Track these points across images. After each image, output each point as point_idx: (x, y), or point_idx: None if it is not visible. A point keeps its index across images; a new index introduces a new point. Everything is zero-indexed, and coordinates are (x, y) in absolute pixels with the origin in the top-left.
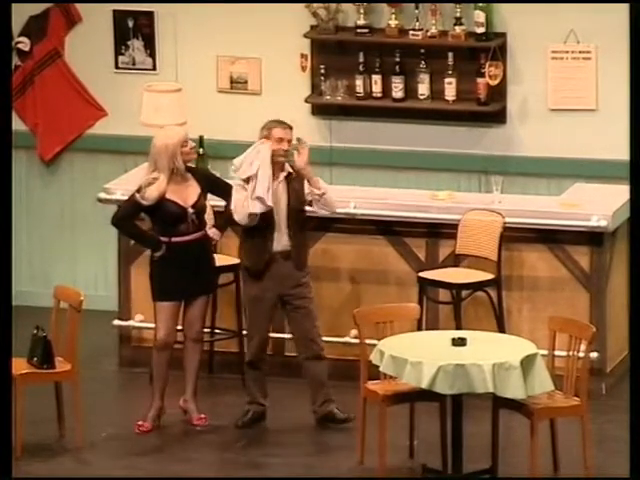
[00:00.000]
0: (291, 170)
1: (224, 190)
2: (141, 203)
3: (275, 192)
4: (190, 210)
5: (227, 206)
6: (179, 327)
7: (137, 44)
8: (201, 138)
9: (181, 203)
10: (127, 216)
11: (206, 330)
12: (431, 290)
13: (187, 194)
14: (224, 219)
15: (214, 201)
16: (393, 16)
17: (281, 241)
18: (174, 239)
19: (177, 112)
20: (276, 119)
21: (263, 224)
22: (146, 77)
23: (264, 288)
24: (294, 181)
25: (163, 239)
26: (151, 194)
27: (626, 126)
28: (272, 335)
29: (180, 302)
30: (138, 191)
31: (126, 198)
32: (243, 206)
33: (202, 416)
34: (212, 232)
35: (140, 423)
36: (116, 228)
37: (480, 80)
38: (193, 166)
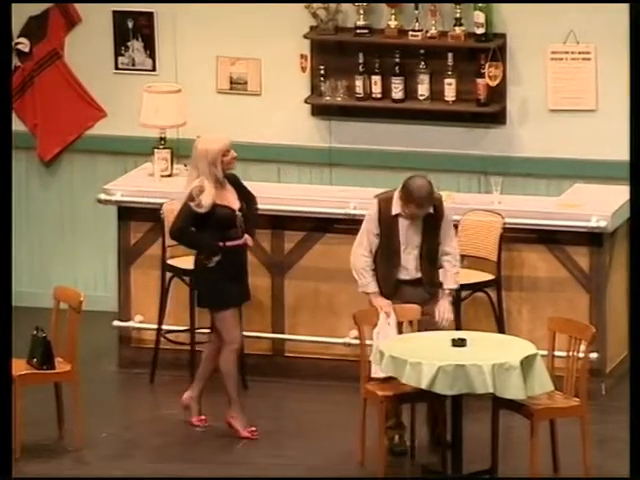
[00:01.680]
0: (432, 211)
1: (250, 198)
2: (196, 211)
3: (406, 232)
4: (239, 214)
5: (252, 212)
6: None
7: (137, 45)
8: None
9: (231, 206)
10: (185, 226)
11: (205, 330)
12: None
13: (231, 199)
14: (253, 225)
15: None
16: (393, 17)
17: (410, 273)
18: (228, 243)
19: (177, 113)
20: (419, 192)
21: (387, 256)
22: (146, 78)
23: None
24: (430, 222)
25: (218, 244)
26: (206, 201)
27: (626, 126)
28: (272, 335)
29: (238, 306)
30: (190, 200)
31: (179, 209)
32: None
33: (202, 417)
34: (247, 239)
35: (254, 429)
36: (175, 240)
37: (480, 81)
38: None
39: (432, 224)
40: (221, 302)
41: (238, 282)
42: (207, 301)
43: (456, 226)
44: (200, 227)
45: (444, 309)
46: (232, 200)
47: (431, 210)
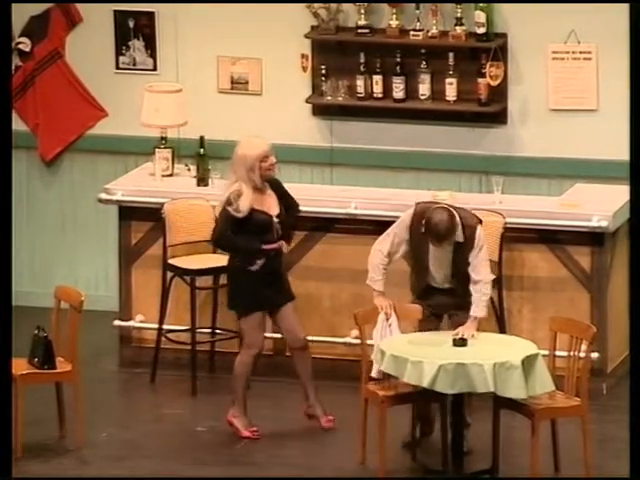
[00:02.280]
0: (461, 240)
1: (291, 204)
2: (235, 216)
3: (434, 252)
4: (275, 219)
5: (291, 216)
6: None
7: (138, 44)
8: (202, 138)
9: (268, 212)
10: (225, 232)
11: (206, 330)
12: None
13: (270, 204)
14: (290, 230)
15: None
16: (394, 16)
17: (440, 285)
18: (264, 246)
19: (178, 112)
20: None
21: (418, 269)
22: (147, 77)
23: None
24: (459, 250)
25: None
26: (244, 205)
27: (627, 126)
28: (272, 335)
29: (267, 311)
30: (228, 204)
31: (218, 215)
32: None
33: (330, 417)
34: (280, 244)
35: (255, 429)
36: (218, 246)
37: (481, 80)
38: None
39: (461, 252)
40: (246, 306)
41: (269, 287)
42: (233, 304)
43: None
44: (237, 231)
45: (463, 329)
46: (271, 205)
47: (459, 239)
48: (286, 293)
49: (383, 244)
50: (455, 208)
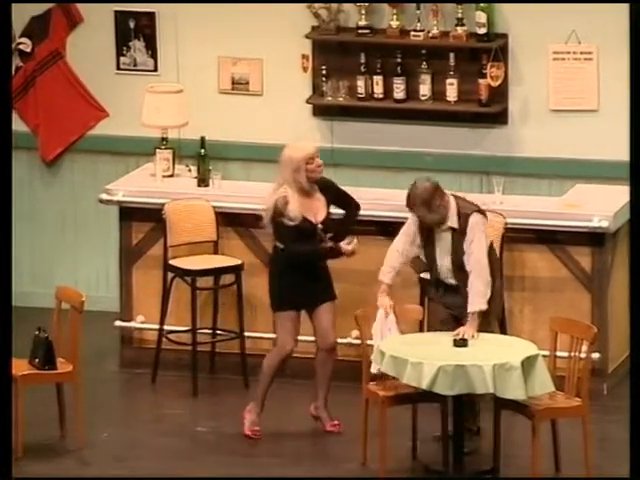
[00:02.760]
0: (455, 226)
1: (347, 203)
2: (290, 225)
3: (440, 240)
4: (319, 226)
5: (348, 217)
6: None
7: (138, 45)
8: (202, 139)
9: (312, 219)
10: (293, 245)
11: (207, 331)
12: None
13: (316, 209)
14: (346, 230)
15: None
16: (394, 17)
17: (447, 279)
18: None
19: (178, 113)
20: None
21: (428, 263)
22: (147, 78)
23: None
24: (455, 237)
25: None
26: (294, 214)
27: (627, 127)
28: (272, 335)
29: (300, 311)
30: (280, 215)
31: (273, 230)
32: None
33: (335, 422)
34: (340, 246)
35: (257, 429)
36: (293, 258)
37: (481, 81)
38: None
39: (458, 240)
40: (278, 305)
41: (305, 287)
42: (271, 302)
43: None
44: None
45: (464, 330)
46: (318, 210)
47: (453, 225)
48: (325, 293)
49: (396, 242)
50: (456, 197)
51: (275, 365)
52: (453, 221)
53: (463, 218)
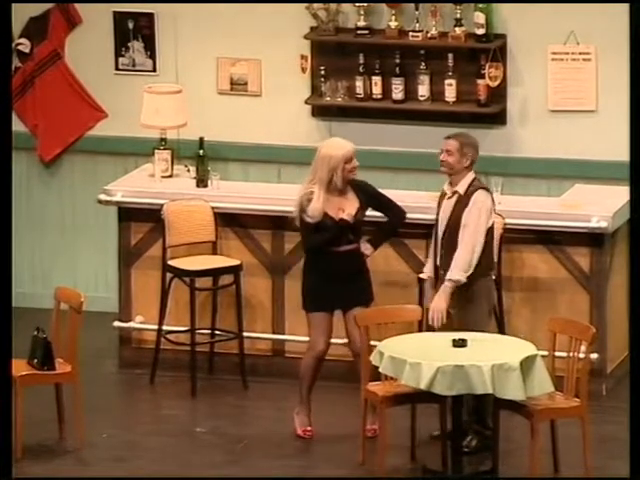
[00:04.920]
0: (462, 192)
1: (386, 206)
2: (309, 221)
3: (443, 209)
4: (344, 221)
5: (387, 222)
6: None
7: (137, 45)
8: (201, 140)
9: (335, 218)
10: (311, 239)
11: (206, 331)
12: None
13: (345, 207)
14: (382, 235)
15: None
16: (393, 17)
17: (439, 244)
18: (327, 247)
19: (177, 114)
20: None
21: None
22: (146, 78)
23: None
24: (457, 205)
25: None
26: (314, 211)
27: (626, 127)
28: (272, 336)
29: (331, 312)
30: (302, 211)
31: (299, 225)
32: None
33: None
34: (364, 247)
35: (308, 428)
36: (314, 252)
37: (480, 81)
38: (355, 179)
39: (459, 206)
40: (308, 305)
41: (335, 288)
42: (302, 302)
43: None
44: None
45: (433, 306)
46: (345, 209)
47: (460, 190)
48: (359, 295)
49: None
50: (476, 174)
51: (310, 364)
52: (462, 188)
53: (471, 189)
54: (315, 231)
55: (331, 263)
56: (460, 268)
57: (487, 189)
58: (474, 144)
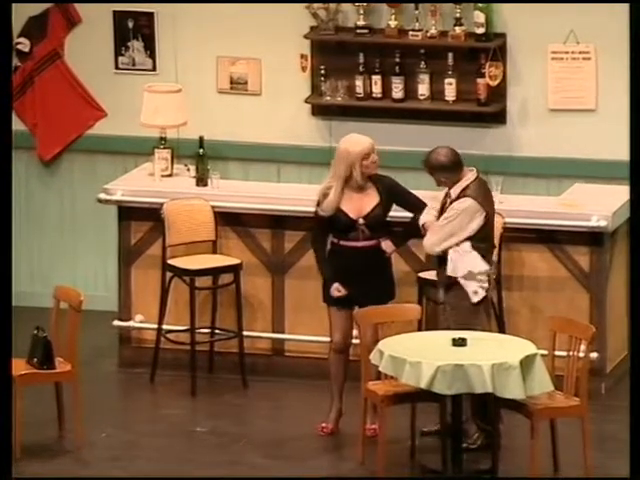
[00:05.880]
0: (453, 197)
1: (412, 203)
2: (322, 215)
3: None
4: (360, 221)
5: (412, 220)
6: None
7: (137, 45)
8: (201, 139)
9: (351, 215)
10: (318, 233)
11: (206, 330)
12: (431, 290)
13: (362, 204)
14: (405, 233)
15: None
16: (393, 17)
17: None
18: (342, 242)
19: (177, 113)
20: None
21: None
22: (146, 78)
23: None
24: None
25: (333, 240)
26: (327, 206)
27: (626, 126)
28: (272, 335)
29: (349, 308)
30: (317, 204)
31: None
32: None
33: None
34: (385, 244)
35: (324, 425)
36: (312, 246)
37: (480, 80)
38: (379, 174)
39: (448, 207)
40: (326, 299)
41: (352, 283)
42: (322, 295)
43: None
44: (328, 228)
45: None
46: (363, 205)
47: (453, 194)
48: (373, 294)
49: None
50: (479, 179)
51: (332, 360)
52: (455, 192)
53: (461, 195)
54: (329, 226)
55: (348, 258)
56: (431, 231)
57: (476, 196)
58: (443, 160)
